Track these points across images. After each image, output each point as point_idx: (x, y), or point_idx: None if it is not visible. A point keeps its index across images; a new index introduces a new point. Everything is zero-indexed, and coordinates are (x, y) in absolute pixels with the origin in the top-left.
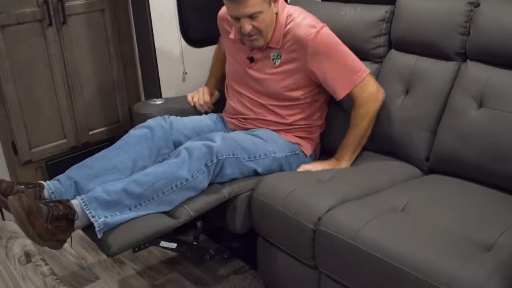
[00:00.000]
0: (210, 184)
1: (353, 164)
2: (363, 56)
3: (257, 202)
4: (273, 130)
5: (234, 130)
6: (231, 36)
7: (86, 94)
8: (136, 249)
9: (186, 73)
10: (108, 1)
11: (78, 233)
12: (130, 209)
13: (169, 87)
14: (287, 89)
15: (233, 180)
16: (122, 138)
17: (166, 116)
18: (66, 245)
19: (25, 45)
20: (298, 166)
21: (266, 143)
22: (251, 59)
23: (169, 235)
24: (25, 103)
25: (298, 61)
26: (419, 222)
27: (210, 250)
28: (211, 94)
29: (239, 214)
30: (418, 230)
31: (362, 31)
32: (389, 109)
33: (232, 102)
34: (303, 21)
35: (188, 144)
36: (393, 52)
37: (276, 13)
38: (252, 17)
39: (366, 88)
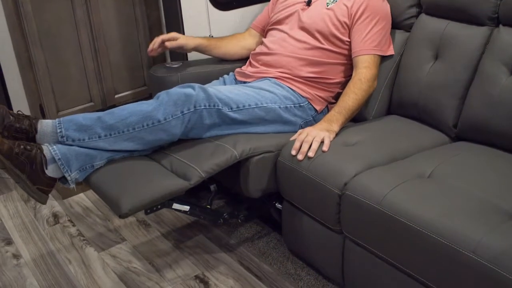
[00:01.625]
0: (219, 145)
1: (380, 127)
2: (396, 25)
3: (283, 166)
4: (287, 78)
5: (243, 82)
6: None
7: (112, 57)
8: (148, 211)
9: (212, 36)
10: None
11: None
12: (99, 137)
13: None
14: (334, 26)
15: (245, 140)
16: None
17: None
18: (92, 206)
19: (52, 8)
20: (307, 120)
21: (261, 93)
22: (309, 2)
23: (183, 198)
24: (52, 66)
25: (346, 7)
26: (445, 189)
27: (224, 214)
28: (175, 39)
29: (252, 178)
30: (444, 196)
31: (398, 1)
32: (418, 75)
33: (265, 40)
34: None
35: (172, 89)
36: (423, 16)
37: None
38: None
39: (376, 65)
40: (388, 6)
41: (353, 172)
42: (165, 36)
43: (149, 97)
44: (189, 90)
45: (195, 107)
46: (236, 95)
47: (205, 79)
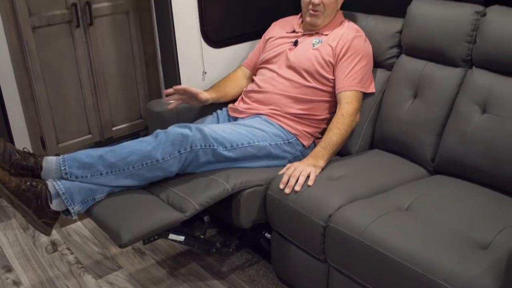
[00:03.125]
0: (213, 179)
1: (363, 162)
2: (378, 64)
3: (271, 199)
4: (277, 115)
5: (235, 118)
6: (278, 34)
7: (110, 92)
8: (146, 241)
9: (205, 72)
10: (132, 4)
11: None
12: (101, 174)
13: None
14: (320, 65)
15: (237, 174)
16: None
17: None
18: (90, 234)
19: (54, 46)
20: (296, 155)
21: (253, 131)
22: (295, 43)
23: (178, 228)
24: (54, 101)
25: (331, 47)
26: (422, 221)
27: (217, 244)
28: (201, 93)
29: (243, 210)
30: (421, 228)
31: (380, 42)
32: (398, 112)
33: (256, 79)
34: (354, 26)
35: (169, 128)
36: (403, 57)
37: (337, 10)
38: None
39: (358, 101)
40: (370, 46)
41: (337, 205)
42: (194, 89)
43: (145, 129)
44: (186, 131)
45: (191, 147)
46: (230, 134)
47: (199, 115)
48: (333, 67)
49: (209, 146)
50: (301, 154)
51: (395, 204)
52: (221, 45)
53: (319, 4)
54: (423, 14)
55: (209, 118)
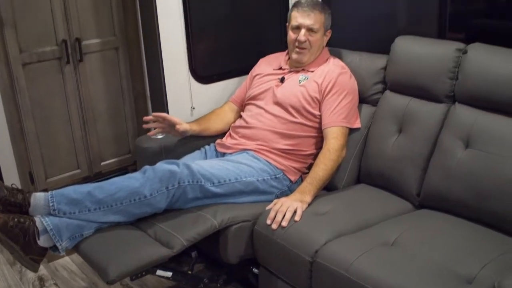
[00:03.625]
0: (200, 215)
1: (349, 197)
2: (363, 100)
3: (259, 234)
4: (264, 151)
5: (223, 153)
6: (265, 71)
7: (99, 127)
8: (134, 277)
9: (193, 108)
10: (122, 40)
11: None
12: (89, 210)
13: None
14: (306, 101)
15: (224, 210)
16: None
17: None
18: (77, 269)
19: (44, 82)
20: (283, 190)
21: (240, 167)
22: (282, 79)
23: (165, 264)
24: (43, 136)
25: (317, 83)
26: (407, 256)
27: (204, 279)
28: (180, 124)
29: (231, 245)
30: (406, 263)
31: (365, 78)
32: (383, 147)
33: (243, 115)
34: (339, 62)
35: (157, 165)
36: (388, 92)
37: (323, 47)
38: (311, 30)
39: (344, 136)
40: (355, 82)
41: (323, 241)
42: (174, 119)
43: (134, 164)
44: (173, 167)
45: (179, 183)
46: (217, 170)
47: (187, 150)
48: (319, 103)
49: (197, 182)
50: (288, 189)
51: (381, 239)
52: (209, 81)
53: (305, 42)
54: (407, 51)
55: (197, 153)
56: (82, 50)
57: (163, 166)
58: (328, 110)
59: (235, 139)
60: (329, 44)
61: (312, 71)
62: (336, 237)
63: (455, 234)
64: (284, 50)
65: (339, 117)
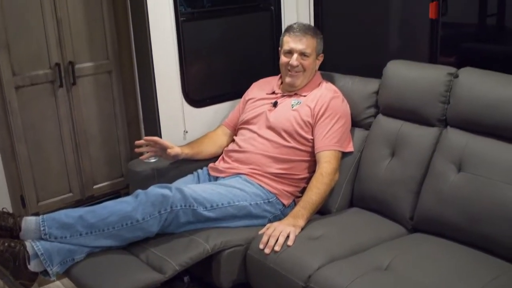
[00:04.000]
0: (192, 239)
1: (343, 221)
2: (356, 124)
3: (251, 259)
4: (256, 175)
5: (216, 177)
6: (258, 96)
7: (92, 150)
8: None
9: (186, 132)
10: (115, 64)
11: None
12: (81, 235)
13: None
14: (299, 126)
15: (217, 234)
16: None
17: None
18: None
19: (37, 105)
20: (276, 214)
21: (233, 191)
22: (275, 104)
23: None
24: (34, 159)
25: (309, 108)
26: (401, 281)
27: None
28: (172, 148)
29: (223, 270)
30: None
31: (358, 102)
32: (376, 171)
33: (236, 139)
34: (332, 87)
35: (149, 189)
36: (380, 116)
37: (315, 71)
38: (303, 54)
39: (337, 160)
40: (347, 106)
41: (316, 265)
42: (166, 142)
43: (127, 187)
44: (166, 191)
45: (171, 207)
46: (210, 195)
47: (180, 174)
48: (311, 127)
49: (189, 206)
50: (281, 213)
51: (374, 264)
52: (202, 104)
53: (297, 66)
54: (399, 76)
55: (190, 177)
56: (75, 74)
57: (155, 190)
58: (320, 134)
59: (228, 163)
60: (321, 68)
61: (305, 96)
62: (329, 262)
63: (448, 258)
64: (277, 74)
65: (331, 141)
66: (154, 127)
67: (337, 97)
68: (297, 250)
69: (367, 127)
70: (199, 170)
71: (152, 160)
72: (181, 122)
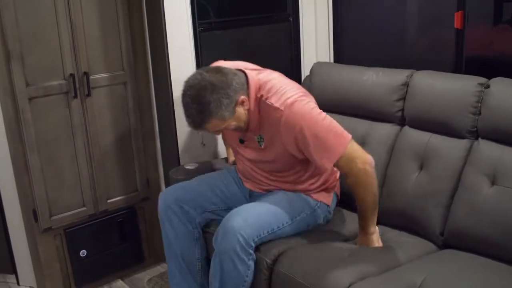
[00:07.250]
0: None
1: None
2: (387, 118)
3: (280, 275)
4: (291, 191)
5: (250, 190)
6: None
7: (106, 164)
8: None
9: (204, 144)
10: (130, 75)
11: None
12: None
13: (187, 158)
14: (285, 167)
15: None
16: None
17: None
18: None
19: (50, 116)
20: (325, 216)
21: (286, 209)
22: (241, 141)
23: None
24: (47, 172)
25: (280, 142)
26: None
27: None
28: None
29: None
30: None
31: (386, 95)
32: (404, 185)
33: (240, 166)
34: (271, 105)
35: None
36: (407, 128)
37: (248, 109)
38: (217, 131)
39: (352, 156)
40: (307, 103)
41: (347, 283)
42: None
43: (141, 201)
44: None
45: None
46: (268, 218)
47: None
48: (302, 152)
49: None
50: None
51: (407, 282)
52: None
53: (217, 132)
54: (426, 87)
55: (218, 173)
56: (90, 85)
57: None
58: (317, 157)
59: (256, 183)
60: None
61: (261, 131)
62: (360, 279)
63: (482, 276)
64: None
65: (332, 153)
66: (171, 140)
67: (285, 108)
68: (328, 267)
69: (399, 121)
70: (227, 168)
71: (191, 167)
72: (199, 135)
